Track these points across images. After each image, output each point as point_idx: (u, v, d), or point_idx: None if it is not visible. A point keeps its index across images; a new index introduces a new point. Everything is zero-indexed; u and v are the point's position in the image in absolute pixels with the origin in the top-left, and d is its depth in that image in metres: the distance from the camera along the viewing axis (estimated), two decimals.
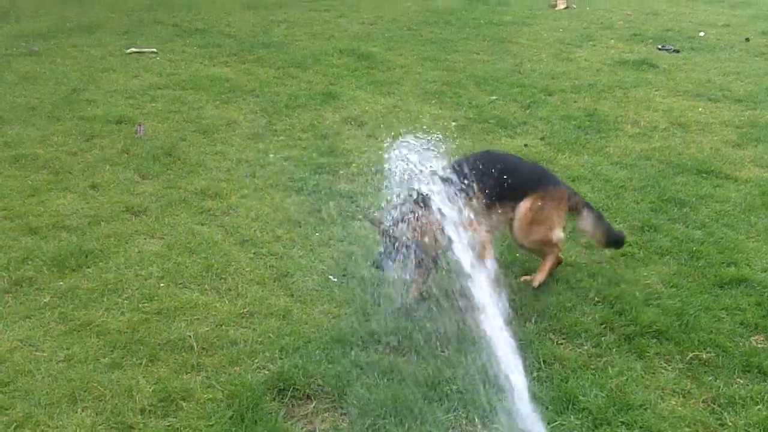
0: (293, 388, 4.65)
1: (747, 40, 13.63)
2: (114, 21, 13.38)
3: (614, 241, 5.88)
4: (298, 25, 13.54)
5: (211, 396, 4.60)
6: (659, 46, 12.99)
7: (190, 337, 5.08)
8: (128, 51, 11.38)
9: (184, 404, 4.53)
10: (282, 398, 4.61)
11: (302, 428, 4.41)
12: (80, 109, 9.21)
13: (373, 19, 14.27)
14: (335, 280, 5.81)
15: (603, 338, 5.16)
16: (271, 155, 8.04)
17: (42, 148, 8.07)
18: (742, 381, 4.83)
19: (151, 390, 4.63)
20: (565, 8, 16.21)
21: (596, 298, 5.60)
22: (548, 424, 4.40)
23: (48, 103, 9.37)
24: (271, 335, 5.14)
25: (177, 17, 13.61)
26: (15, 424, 4.38)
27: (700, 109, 9.79)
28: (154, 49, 11.44)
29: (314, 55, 11.65)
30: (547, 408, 4.52)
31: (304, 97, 9.78)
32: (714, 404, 4.64)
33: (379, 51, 12.11)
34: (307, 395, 4.64)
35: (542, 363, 4.92)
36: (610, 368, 4.88)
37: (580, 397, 4.60)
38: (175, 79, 10.19)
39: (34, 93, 9.76)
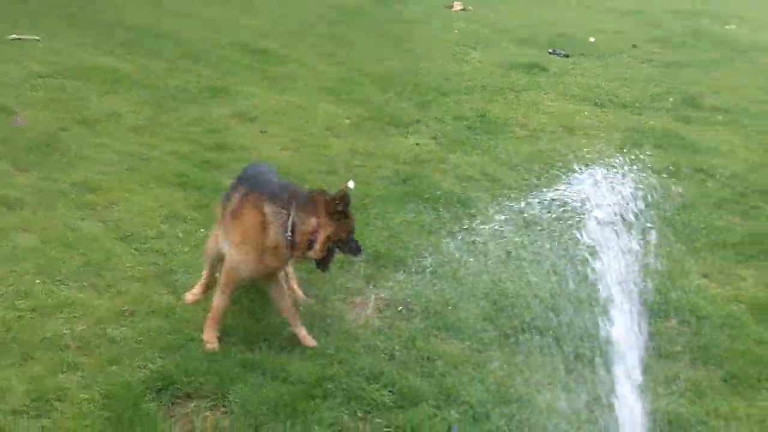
0: (174, 387, 4.56)
1: (634, 46, 14.05)
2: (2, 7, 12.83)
3: None
4: (193, 18, 13.28)
5: (87, 396, 4.46)
6: (550, 50, 13.26)
7: (67, 335, 4.91)
8: (10, 37, 10.94)
9: (58, 405, 4.38)
10: (162, 398, 4.51)
11: (182, 428, 4.32)
12: None
13: (269, 14, 14.12)
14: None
15: (484, 334, 5.24)
16: (157, 149, 7.85)
17: None
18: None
19: (23, 390, 4.45)
20: (461, 10, 16.39)
21: (479, 295, 5.66)
22: (429, 419, 4.43)
23: None
24: (152, 334, 5.02)
25: (70, 7, 13.12)
26: None
27: (586, 113, 10.04)
28: (37, 37, 11.03)
29: (207, 49, 11.44)
30: (428, 403, 4.54)
31: (194, 91, 9.58)
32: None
33: (275, 46, 12.00)
34: (188, 394, 4.56)
35: (425, 359, 4.95)
36: (490, 363, 4.95)
37: (461, 392, 4.65)
38: (58, 68, 9.78)
39: None
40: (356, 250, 4.99)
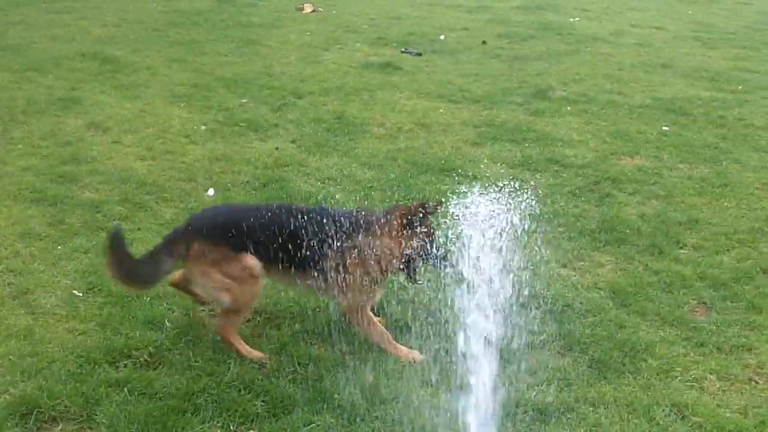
0: (37, 411, 4.42)
1: (484, 43, 14.44)
2: None
3: None
4: (37, 27, 12.84)
5: None
6: (402, 49, 13.48)
7: None
8: None
9: None
10: (26, 423, 4.36)
11: None
12: None
13: (116, 21, 13.80)
14: (80, 295, 5.56)
15: (357, 336, 5.27)
16: (9, 164, 7.57)
17: None
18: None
19: None
20: (312, 12, 16.45)
21: None
22: (304, 425, 4.45)
23: None
24: (11, 357, 4.84)
25: None
26: None
27: (441, 110, 10.25)
28: None
29: (54, 59, 11.09)
30: (303, 409, 4.56)
31: (44, 103, 9.29)
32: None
33: (124, 54, 11.74)
34: (53, 417, 4.43)
35: (297, 365, 4.96)
36: (363, 365, 5.00)
37: (335, 396, 4.68)
38: None
39: None
40: (437, 264, 4.98)
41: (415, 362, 5.07)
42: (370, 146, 8.78)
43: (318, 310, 5.54)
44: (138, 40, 12.65)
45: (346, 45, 13.71)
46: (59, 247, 6.13)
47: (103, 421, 4.38)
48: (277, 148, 8.53)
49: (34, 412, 4.41)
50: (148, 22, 13.88)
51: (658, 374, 5.09)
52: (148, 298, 5.52)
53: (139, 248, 5.63)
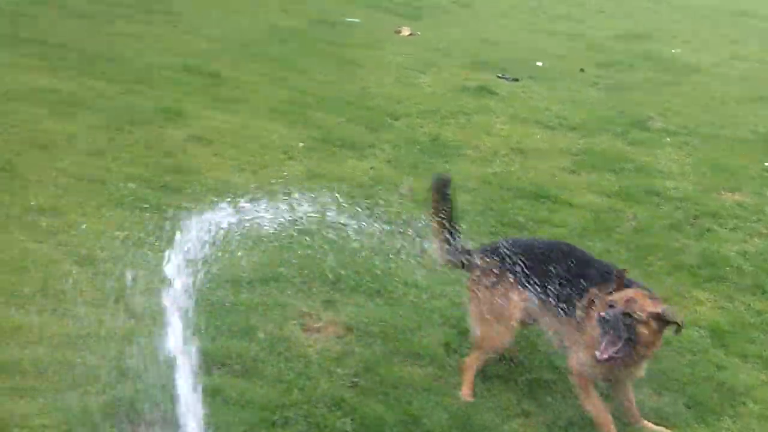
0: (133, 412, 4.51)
1: (582, 70, 14.30)
2: None
3: None
4: (145, 40, 13.18)
5: (46, 422, 4.41)
6: (499, 75, 13.45)
7: (25, 360, 4.84)
8: None
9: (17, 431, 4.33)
10: (120, 424, 4.47)
11: None
12: None
13: (220, 37, 14.08)
14: None
15: (446, 360, 5.26)
16: (113, 172, 7.81)
17: None
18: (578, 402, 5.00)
19: None
20: (409, 35, 16.54)
21: (440, 320, 5.71)
22: None
23: None
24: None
25: (17, 26, 12.98)
26: None
27: (537, 136, 10.19)
28: None
29: (160, 71, 11.39)
30: (391, 431, 4.56)
31: (149, 114, 9.53)
32: (554, 426, 4.79)
33: (226, 69, 11.98)
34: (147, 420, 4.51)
35: (388, 385, 4.97)
36: (453, 390, 4.97)
37: (424, 420, 4.67)
38: (9, 91, 9.71)
39: None
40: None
41: None
42: (465, 169, 8.78)
43: (409, 331, 5.54)
44: (240, 56, 12.88)
45: (443, 68, 13.73)
46: (159, 253, 6.27)
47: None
48: (372, 168, 8.60)
49: (128, 415, 4.51)
50: (250, 39, 14.13)
51: (758, 419, 4.96)
52: (244, 308, 5.62)
53: None
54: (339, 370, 5.15)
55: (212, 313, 5.54)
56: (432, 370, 5.18)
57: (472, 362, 5.01)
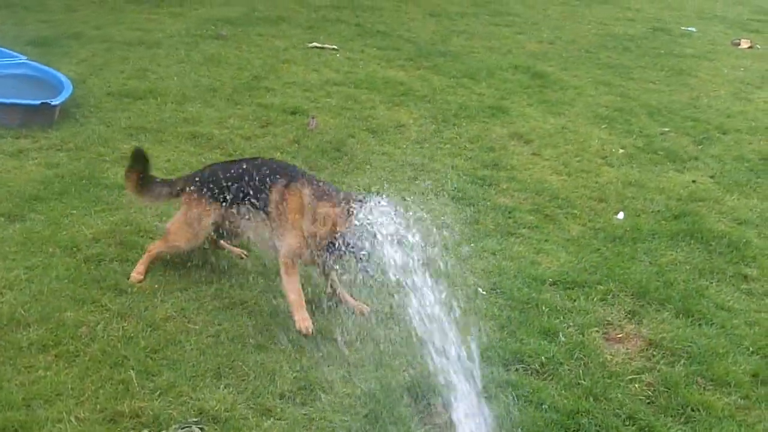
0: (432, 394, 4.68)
1: None
2: (300, 15, 13.80)
3: None
4: (477, 37, 13.62)
5: (349, 391, 4.73)
6: None
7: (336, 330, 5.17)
8: (310, 45, 11.78)
9: (323, 396, 4.67)
10: (418, 404, 4.66)
11: None
12: (259, 96, 9.58)
13: (551, 39, 14.19)
14: (484, 293, 5.86)
15: (753, 390, 5.01)
16: (437, 162, 8.20)
17: (218, 129, 8.46)
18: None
19: (293, 377, 4.80)
20: (749, 48, 15.65)
21: (751, 348, 5.44)
22: None
23: (229, 87, 9.78)
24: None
25: (360, 18, 13.93)
26: (159, 390, 4.59)
27: None
28: (335, 46, 11.81)
29: (489, 68, 11.71)
30: None
31: (474, 109, 9.86)
32: None
33: (554, 70, 12.06)
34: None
35: (686, 407, 4.83)
36: (759, 423, 4.74)
37: None
38: (351, 77, 10.48)
39: (216, 75, 10.21)
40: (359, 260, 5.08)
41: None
42: None
43: (717, 355, 5.33)
44: (569, 59, 12.90)
45: None
46: (471, 244, 6.50)
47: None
48: (693, 182, 8.30)
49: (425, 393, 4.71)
50: (581, 43, 14.08)
51: None
52: (546, 308, 5.69)
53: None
54: (637, 385, 5.06)
55: (516, 309, 5.67)
56: (735, 399, 4.94)
57: (154, 249, 5.71)
